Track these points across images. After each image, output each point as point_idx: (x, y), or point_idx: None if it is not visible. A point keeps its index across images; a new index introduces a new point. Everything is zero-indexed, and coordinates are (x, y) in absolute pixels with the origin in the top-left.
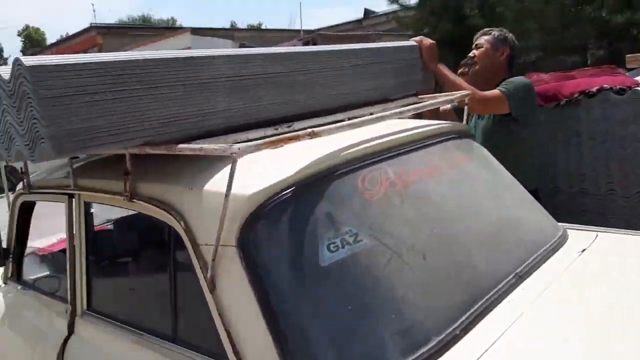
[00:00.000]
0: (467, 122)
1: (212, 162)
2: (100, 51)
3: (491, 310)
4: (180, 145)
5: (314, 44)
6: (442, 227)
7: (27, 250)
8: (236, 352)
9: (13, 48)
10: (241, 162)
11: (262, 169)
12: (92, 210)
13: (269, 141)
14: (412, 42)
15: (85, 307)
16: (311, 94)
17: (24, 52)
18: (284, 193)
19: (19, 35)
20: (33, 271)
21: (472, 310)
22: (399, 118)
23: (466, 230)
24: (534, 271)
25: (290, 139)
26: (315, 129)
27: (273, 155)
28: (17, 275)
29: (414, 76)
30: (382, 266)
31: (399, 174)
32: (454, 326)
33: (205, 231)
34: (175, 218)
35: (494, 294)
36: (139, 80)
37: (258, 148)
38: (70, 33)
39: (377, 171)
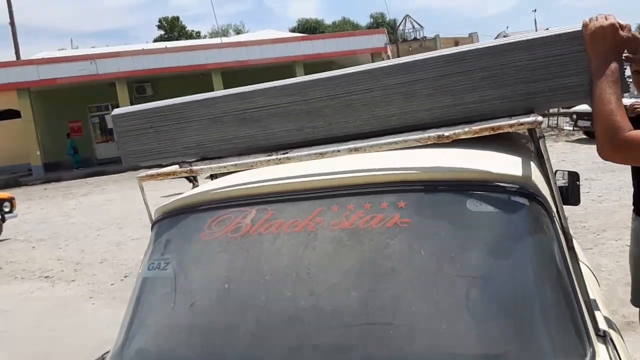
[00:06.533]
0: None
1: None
2: None
3: None
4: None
5: None
6: (255, 288)
7: None
8: None
9: None
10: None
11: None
12: None
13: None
14: (577, 26)
15: None
16: (335, 119)
17: None
18: (162, 214)
19: None
20: None
21: None
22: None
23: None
24: None
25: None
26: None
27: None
28: None
29: (558, 81)
30: (164, 294)
31: (260, 221)
32: None
33: None
34: None
35: None
36: (169, 119)
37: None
38: None
39: (233, 214)
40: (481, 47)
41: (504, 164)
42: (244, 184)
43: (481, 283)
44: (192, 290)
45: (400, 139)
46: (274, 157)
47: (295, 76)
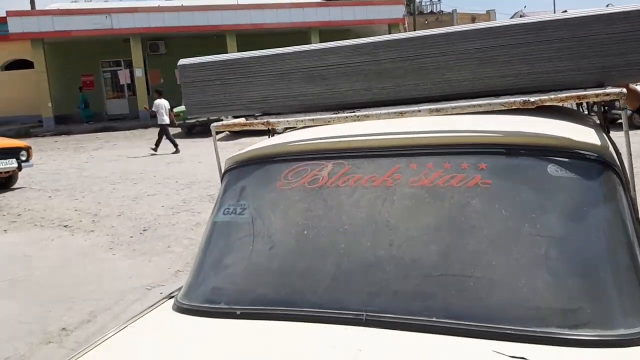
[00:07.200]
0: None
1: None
2: None
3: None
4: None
5: None
6: (332, 234)
7: None
8: None
9: None
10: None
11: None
12: None
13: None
14: None
15: None
16: (405, 81)
17: None
18: (235, 164)
19: None
20: None
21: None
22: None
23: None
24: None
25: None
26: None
27: (277, 137)
28: None
29: (635, 57)
30: (240, 237)
31: (337, 175)
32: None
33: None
34: None
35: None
36: (237, 73)
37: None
38: None
39: (309, 166)
40: (562, 17)
41: (581, 133)
42: (319, 138)
43: (558, 244)
44: (271, 235)
45: (484, 102)
46: (351, 114)
47: (311, 43)
